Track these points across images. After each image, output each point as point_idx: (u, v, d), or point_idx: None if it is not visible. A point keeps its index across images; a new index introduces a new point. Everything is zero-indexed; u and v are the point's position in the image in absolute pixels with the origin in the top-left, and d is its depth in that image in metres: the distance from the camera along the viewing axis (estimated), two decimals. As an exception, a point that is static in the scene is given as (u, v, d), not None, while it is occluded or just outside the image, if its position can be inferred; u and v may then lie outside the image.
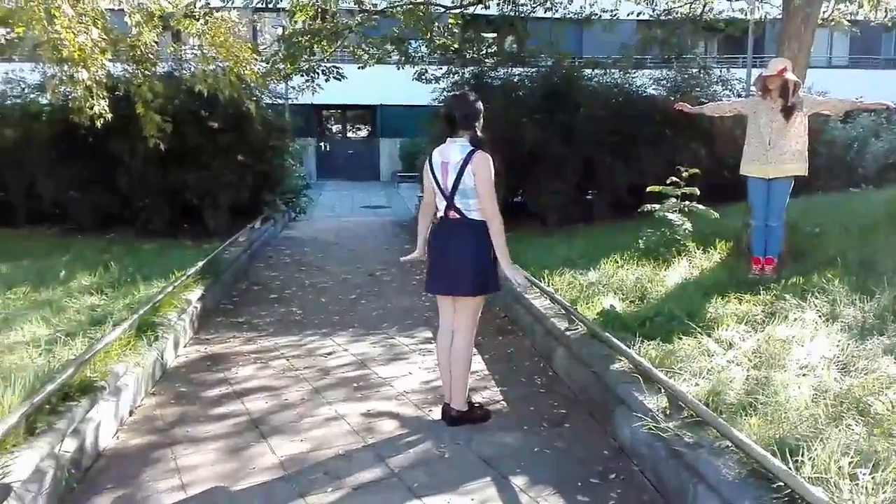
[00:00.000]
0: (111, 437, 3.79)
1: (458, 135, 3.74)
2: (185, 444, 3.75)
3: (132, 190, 10.03)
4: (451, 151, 3.74)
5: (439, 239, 3.91)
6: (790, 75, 5.61)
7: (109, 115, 6.90)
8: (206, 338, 5.79)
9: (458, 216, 3.77)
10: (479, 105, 3.81)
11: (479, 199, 3.68)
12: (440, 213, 3.87)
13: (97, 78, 6.52)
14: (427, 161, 3.90)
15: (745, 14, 11.51)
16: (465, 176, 3.66)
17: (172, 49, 10.04)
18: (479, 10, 11.31)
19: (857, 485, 2.49)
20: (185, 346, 5.49)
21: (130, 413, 4.12)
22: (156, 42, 7.85)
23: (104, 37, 6.38)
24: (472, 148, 3.69)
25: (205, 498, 3.20)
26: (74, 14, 5.96)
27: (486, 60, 11.68)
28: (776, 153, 5.67)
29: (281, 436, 3.84)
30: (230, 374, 4.89)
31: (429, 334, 5.85)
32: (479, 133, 3.74)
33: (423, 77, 11.92)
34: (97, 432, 3.59)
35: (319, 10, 10.14)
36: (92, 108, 6.65)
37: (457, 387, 3.94)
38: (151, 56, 7.79)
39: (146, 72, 7.70)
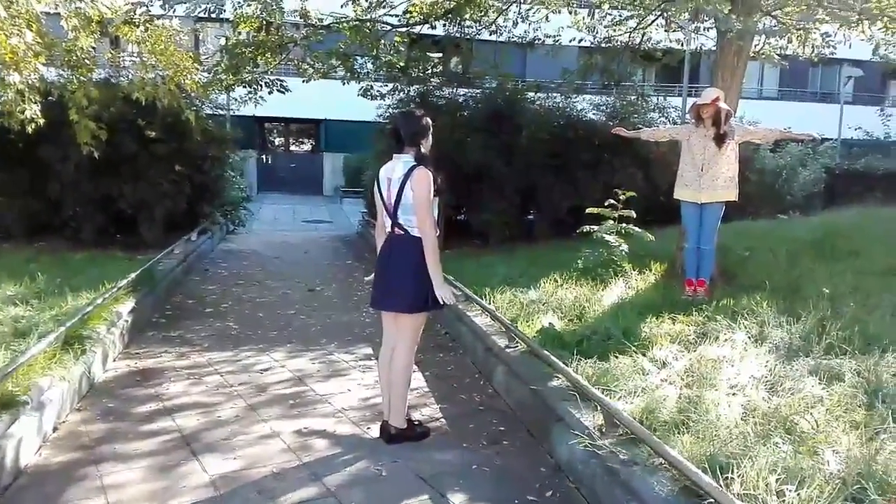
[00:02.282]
0: (33, 453, 3.62)
1: (404, 151, 3.76)
2: (112, 461, 3.61)
3: (63, 198, 9.70)
4: (395, 167, 3.76)
5: (383, 255, 3.91)
6: (722, 105, 5.83)
7: (41, 121, 6.67)
8: (137, 352, 5.61)
9: (401, 233, 3.78)
10: (426, 122, 3.84)
11: (415, 214, 3.69)
12: (387, 230, 3.87)
13: (30, 82, 6.29)
14: (375, 179, 3.90)
15: (682, 45, 11.89)
16: (405, 191, 3.68)
17: (110, 55, 9.79)
18: (426, 29, 11.38)
19: (783, 501, 2.57)
20: (114, 361, 5.30)
21: (55, 429, 3.95)
22: (93, 48, 7.62)
23: (38, 40, 6.15)
24: (414, 164, 3.71)
25: (131, 518, 3.09)
26: (7, 15, 5.75)
27: (432, 80, 11.76)
28: (708, 179, 5.87)
29: (213, 454, 3.73)
30: (161, 389, 4.75)
31: (369, 350, 5.81)
32: (423, 150, 3.76)
33: (369, 93, 11.91)
34: (18, 448, 3.42)
35: (264, 22, 10.04)
36: (23, 113, 6.41)
37: (395, 404, 3.92)
38: (88, 62, 7.55)
39: (82, 77, 7.46)
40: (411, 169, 3.69)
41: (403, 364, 3.89)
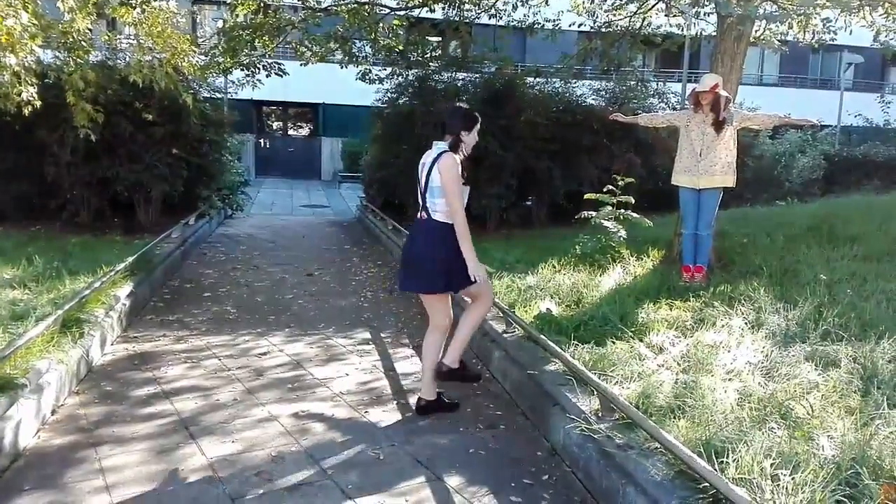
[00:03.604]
0: (32, 436, 3.63)
1: (443, 139, 3.92)
2: (111, 444, 3.63)
3: (59, 181, 9.66)
4: (430, 154, 3.93)
5: (409, 237, 4.13)
6: (721, 91, 5.82)
7: (38, 103, 6.64)
8: (135, 336, 5.62)
9: (426, 216, 3.92)
10: (466, 114, 3.97)
11: (442, 197, 3.82)
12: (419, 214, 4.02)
13: (26, 64, 6.25)
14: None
15: (682, 30, 11.83)
16: (433, 174, 3.85)
17: (107, 37, 9.73)
18: (424, 13, 11.32)
19: (778, 485, 2.58)
20: (112, 344, 5.31)
21: (53, 412, 3.96)
22: (90, 29, 7.57)
23: (34, 21, 6.10)
24: (445, 150, 3.86)
25: (130, 500, 3.10)
26: (3, -4, 5.71)
27: (431, 64, 11.71)
28: (706, 165, 5.87)
29: (211, 437, 3.75)
30: (159, 373, 4.76)
31: (367, 335, 5.82)
32: (460, 139, 3.89)
33: (367, 77, 11.87)
34: (17, 431, 3.43)
35: (262, 4, 9.99)
36: (20, 95, 6.38)
37: (424, 377, 4.12)
38: (84, 44, 7.49)
39: (78, 60, 7.41)
40: (440, 154, 3.84)
41: (431, 341, 4.10)
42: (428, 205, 3.91)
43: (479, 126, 4.01)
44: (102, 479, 3.26)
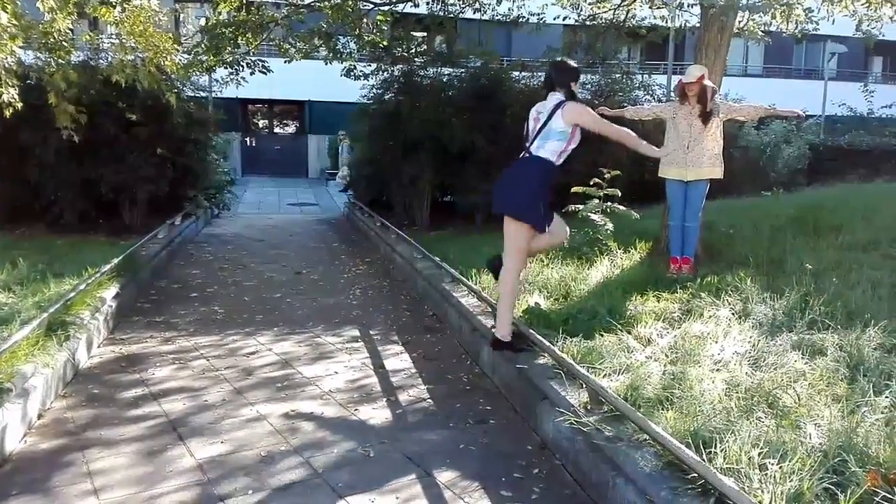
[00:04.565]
0: (18, 440, 3.60)
1: (555, 91, 4.28)
2: (98, 447, 3.60)
3: (43, 183, 9.59)
4: (547, 104, 4.29)
5: (506, 173, 4.47)
6: (708, 82, 5.83)
7: (19, 105, 6.57)
8: (122, 338, 5.58)
9: (528, 156, 4.28)
10: (573, 67, 4.44)
11: (599, 132, 4.32)
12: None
13: (6, 65, 6.19)
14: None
15: (666, 22, 11.85)
16: (552, 120, 4.20)
17: (88, 37, 9.64)
18: (409, 7, 11.28)
19: (766, 474, 2.60)
20: (98, 347, 5.27)
21: (39, 416, 3.93)
22: (71, 29, 7.49)
23: (14, 22, 6.03)
24: (563, 99, 4.22)
25: (118, 503, 3.08)
26: (-20, -3, 5.64)
27: (416, 59, 11.67)
28: (694, 156, 5.89)
29: (200, 438, 3.73)
30: (147, 375, 4.73)
31: (356, 333, 5.81)
32: (571, 89, 4.28)
33: (352, 73, 11.83)
34: (3, 436, 3.40)
35: (244, 1, 9.92)
36: (0, 97, 6.31)
37: (500, 313, 4.36)
38: (66, 44, 7.41)
39: (60, 60, 7.33)
40: (561, 103, 4.20)
41: (505, 274, 4.36)
42: (535, 145, 4.24)
43: (581, 78, 4.43)
44: (90, 482, 3.24)
